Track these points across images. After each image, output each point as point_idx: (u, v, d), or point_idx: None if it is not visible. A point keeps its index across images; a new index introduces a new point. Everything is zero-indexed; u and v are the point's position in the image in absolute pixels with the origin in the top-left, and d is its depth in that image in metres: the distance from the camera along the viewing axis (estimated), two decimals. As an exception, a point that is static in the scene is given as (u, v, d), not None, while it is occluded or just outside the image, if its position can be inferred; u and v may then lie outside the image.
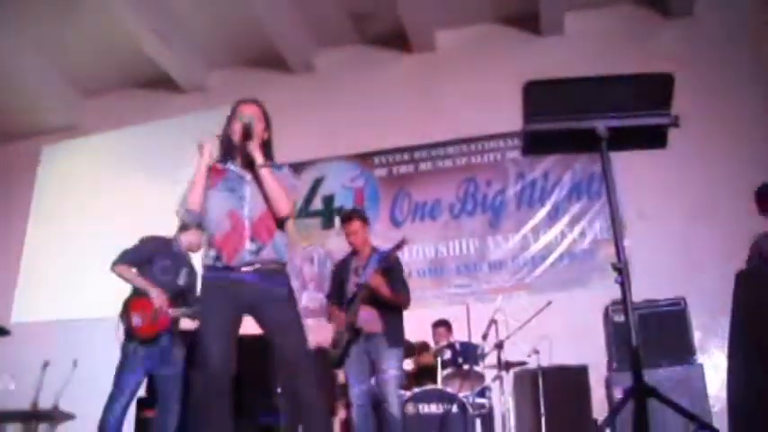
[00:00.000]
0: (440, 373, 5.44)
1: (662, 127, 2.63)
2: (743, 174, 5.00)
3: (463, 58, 7.86)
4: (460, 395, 5.10)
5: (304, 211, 7.75)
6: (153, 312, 4.60)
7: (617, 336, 5.42)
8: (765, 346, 2.11)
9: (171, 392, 4.70)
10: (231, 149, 3.31)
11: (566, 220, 7.02)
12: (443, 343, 5.86)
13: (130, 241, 4.89)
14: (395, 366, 4.42)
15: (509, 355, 5.48)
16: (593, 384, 5.89)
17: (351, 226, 4.78)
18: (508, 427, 5.44)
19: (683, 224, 6.39)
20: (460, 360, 5.49)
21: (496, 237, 7.18)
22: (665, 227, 6.42)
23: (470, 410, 5.07)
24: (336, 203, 7.82)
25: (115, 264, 4.75)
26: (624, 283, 2.44)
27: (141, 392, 5.00)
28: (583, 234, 6.91)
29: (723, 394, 5.14)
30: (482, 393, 5.48)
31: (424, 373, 5.70)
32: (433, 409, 5.09)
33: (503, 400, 5.50)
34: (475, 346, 5.56)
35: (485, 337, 5.49)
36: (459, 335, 5.99)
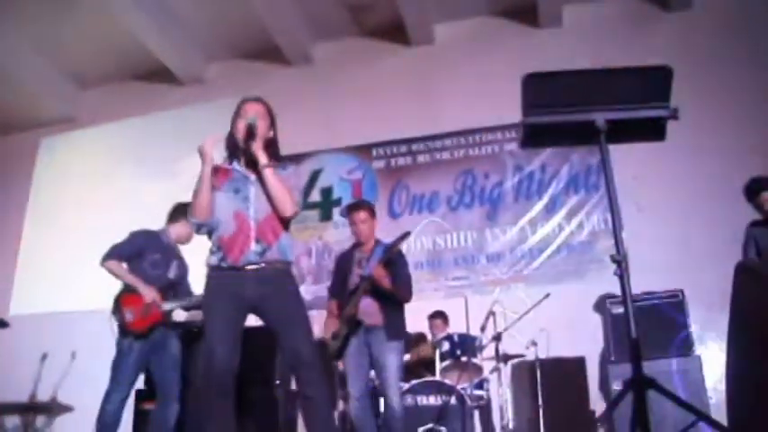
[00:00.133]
0: (438, 365, 5.46)
1: (661, 119, 2.63)
2: (742, 167, 5.00)
3: (461, 50, 7.85)
4: (459, 387, 5.12)
5: (302, 204, 7.72)
6: (144, 307, 4.60)
7: (615, 328, 5.44)
8: (764, 340, 2.12)
9: (169, 385, 4.70)
10: (236, 149, 3.31)
11: (563, 212, 7.02)
12: (441, 335, 5.87)
13: (128, 233, 4.91)
14: (395, 359, 4.41)
15: (507, 347, 5.50)
16: (591, 376, 5.92)
17: (358, 215, 4.75)
18: (506, 418, 5.46)
19: (681, 217, 6.39)
20: (459, 352, 5.50)
21: (494, 229, 7.18)
22: (663, 219, 6.43)
23: (468, 402, 5.09)
24: (334, 195, 7.82)
25: (105, 259, 4.74)
26: (623, 275, 2.45)
27: (140, 385, 5.02)
28: (580, 226, 6.91)
29: (720, 386, 5.19)
30: (480, 385, 5.50)
31: (421, 365, 5.71)
32: (432, 400, 5.11)
33: (501, 392, 5.51)
34: (473, 338, 5.57)
35: (483, 329, 5.51)
36: (457, 327, 6.00)
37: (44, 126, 9.27)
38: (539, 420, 5.39)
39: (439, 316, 6.20)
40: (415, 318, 5.22)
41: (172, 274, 4.88)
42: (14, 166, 9.20)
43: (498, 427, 5.60)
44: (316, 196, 7.84)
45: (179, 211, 5.00)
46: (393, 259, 4.58)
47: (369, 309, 4.47)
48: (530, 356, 5.63)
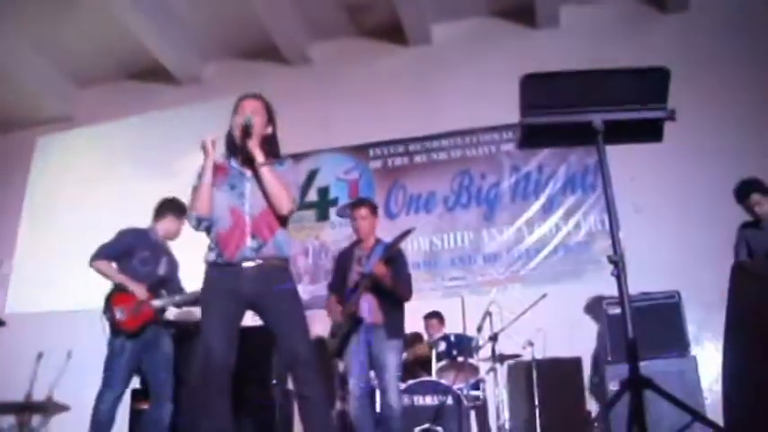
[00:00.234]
0: (434, 365, 5.46)
1: (658, 120, 2.64)
2: (739, 168, 5.01)
3: (459, 51, 7.85)
4: (455, 387, 5.13)
5: (298, 203, 7.72)
6: (135, 305, 4.60)
7: (612, 328, 5.45)
8: (763, 340, 2.13)
9: (163, 384, 4.70)
10: (234, 146, 3.32)
11: (560, 212, 7.02)
12: (437, 335, 5.88)
13: (116, 232, 4.91)
14: (395, 358, 4.42)
15: (503, 347, 5.51)
16: (587, 376, 5.92)
17: (359, 211, 4.78)
18: (502, 418, 5.46)
19: (678, 218, 6.40)
20: (455, 352, 5.51)
21: (491, 229, 7.18)
22: (660, 220, 6.44)
23: (465, 402, 5.10)
24: (331, 195, 7.82)
25: (93, 259, 4.75)
26: (620, 275, 2.46)
27: (135, 384, 5.02)
28: (577, 227, 6.92)
29: (716, 387, 5.17)
30: (476, 385, 5.51)
31: (418, 365, 5.72)
32: (428, 400, 5.12)
33: (497, 392, 5.52)
34: (469, 339, 5.58)
35: (479, 329, 5.52)
36: (453, 327, 6.01)
37: (41, 125, 9.24)
38: (535, 420, 5.40)
39: (435, 316, 6.20)
40: (412, 318, 5.21)
41: (162, 270, 4.89)
42: (11, 165, 9.17)
43: (494, 427, 5.61)
44: (312, 196, 7.83)
45: (165, 207, 5.02)
46: (394, 257, 4.60)
47: (369, 307, 4.48)
48: (526, 357, 5.65)
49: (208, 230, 3.27)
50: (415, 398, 5.09)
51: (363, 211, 4.78)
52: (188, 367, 5.18)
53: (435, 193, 7.44)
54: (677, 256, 6.16)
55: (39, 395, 6.47)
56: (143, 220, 5.06)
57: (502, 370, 5.71)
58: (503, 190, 7.27)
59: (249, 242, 3.16)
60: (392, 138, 7.73)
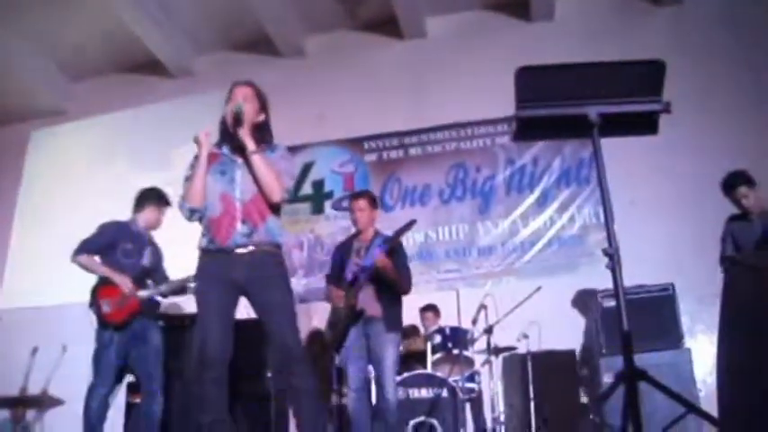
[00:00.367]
0: (429, 358, 5.47)
1: (653, 113, 2.64)
2: (731, 161, 5.02)
3: (454, 44, 7.84)
4: (450, 379, 5.14)
5: (293, 196, 7.70)
6: (121, 297, 4.60)
7: (606, 321, 5.47)
8: (759, 333, 2.14)
9: (152, 375, 4.70)
10: (226, 134, 3.32)
11: (555, 205, 7.03)
12: (432, 327, 5.89)
13: (97, 226, 4.91)
14: (392, 351, 4.43)
15: (498, 339, 5.52)
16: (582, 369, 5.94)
17: (357, 203, 4.80)
18: (497, 410, 5.48)
19: (672, 210, 6.42)
20: (450, 345, 5.51)
21: (486, 222, 7.19)
22: (654, 213, 6.46)
23: (460, 395, 5.11)
24: (326, 188, 7.80)
25: (75, 254, 4.75)
26: (615, 268, 2.46)
27: (131, 377, 5.02)
28: (572, 220, 6.93)
29: (710, 379, 5.23)
30: (471, 378, 5.53)
31: (413, 358, 5.72)
32: (423, 393, 5.12)
33: (492, 385, 5.54)
34: (464, 331, 5.59)
35: (474, 322, 5.53)
36: (448, 320, 6.02)
37: (34, 118, 9.20)
38: (530, 412, 5.41)
39: (430, 309, 6.22)
40: (407, 310, 5.20)
41: (146, 261, 4.89)
42: (4, 159, 9.13)
43: (489, 419, 5.63)
44: (307, 189, 7.83)
45: (144, 198, 5.02)
46: (395, 249, 4.61)
47: (368, 299, 4.49)
48: (521, 349, 5.66)
49: (200, 219, 3.28)
50: (411, 390, 5.10)
51: (362, 203, 4.79)
52: (179, 360, 5.19)
53: (430, 185, 7.44)
54: (671, 248, 6.18)
55: (34, 389, 6.46)
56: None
57: (497, 362, 5.72)
58: (498, 183, 7.28)
59: (240, 227, 3.18)
60: (387, 131, 7.73)
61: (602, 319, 5.52)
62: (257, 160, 3.19)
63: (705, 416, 2.49)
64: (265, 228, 3.22)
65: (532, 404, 5.42)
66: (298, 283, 7.35)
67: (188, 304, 5.22)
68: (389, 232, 4.76)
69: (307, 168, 7.85)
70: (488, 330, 5.48)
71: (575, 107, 2.61)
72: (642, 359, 4.57)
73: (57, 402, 6.35)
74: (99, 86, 9.02)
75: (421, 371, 5.32)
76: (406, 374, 5.17)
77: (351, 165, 7.80)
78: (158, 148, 7.96)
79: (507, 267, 6.96)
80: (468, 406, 5.41)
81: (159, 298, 4.96)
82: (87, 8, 7.74)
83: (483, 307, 5.55)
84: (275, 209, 3.30)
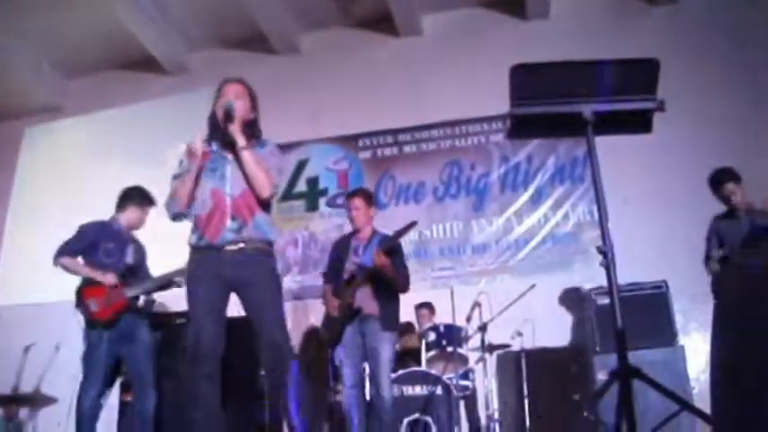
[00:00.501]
0: (424, 355, 5.47)
1: (647, 112, 2.65)
2: (725, 160, 5.02)
3: (449, 41, 7.84)
4: (444, 377, 5.15)
5: (288, 194, 7.73)
6: (107, 295, 4.59)
7: (600, 318, 5.48)
8: (752, 331, 2.14)
9: (143, 373, 4.69)
10: (216, 130, 3.32)
11: (549, 203, 7.05)
12: (427, 325, 5.89)
13: (77, 227, 4.90)
14: (388, 349, 4.43)
15: (492, 337, 5.53)
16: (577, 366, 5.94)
17: (353, 202, 4.80)
18: (491, 408, 5.49)
19: (665, 208, 6.43)
20: (444, 342, 5.52)
21: (480, 220, 7.20)
22: (648, 211, 6.47)
23: (454, 392, 5.12)
24: (320, 186, 7.80)
25: (57, 257, 4.75)
26: (609, 266, 2.47)
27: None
28: (566, 217, 6.94)
29: (703, 376, 5.25)
30: (466, 375, 5.53)
31: (408, 355, 5.73)
32: (417, 390, 5.13)
33: (486, 382, 5.55)
34: (459, 329, 5.59)
35: (468, 319, 5.54)
36: (443, 317, 6.02)
37: (29, 115, 9.17)
38: (524, 410, 5.43)
39: (425, 306, 6.23)
40: (402, 309, 5.22)
41: (129, 258, 4.88)
42: (-2, 155, 9.11)
43: (484, 416, 5.63)
44: (302, 186, 7.82)
45: (125, 198, 5.01)
46: (395, 248, 4.61)
47: (365, 298, 4.49)
48: (515, 347, 5.67)
49: (184, 217, 3.29)
50: (405, 388, 5.11)
51: (358, 201, 4.79)
52: (171, 357, 5.19)
53: (425, 183, 7.45)
54: (665, 246, 6.20)
55: (26, 387, 6.44)
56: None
57: (491, 360, 5.75)
58: (492, 180, 7.28)
59: (229, 223, 3.18)
60: (382, 128, 7.73)
61: (596, 316, 5.53)
62: (247, 156, 3.20)
63: (698, 413, 2.49)
64: (254, 223, 3.23)
65: (526, 401, 5.44)
66: (292, 281, 7.36)
67: (176, 302, 5.23)
68: (386, 230, 4.77)
69: (301, 166, 7.85)
70: (482, 328, 5.49)
71: (569, 105, 2.61)
72: (636, 357, 4.59)
73: (50, 400, 6.33)
74: (94, 83, 8.99)
75: (415, 368, 5.33)
76: (400, 372, 5.18)
77: (345, 162, 7.80)
78: (153, 144, 7.94)
79: (501, 265, 6.97)
80: (462, 403, 5.42)
81: (148, 296, 4.97)
82: (82, 5, 7.70)
83: (477, 304, 5.56)
84: (265, 205, 3.30)
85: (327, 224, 7.53)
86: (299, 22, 8.32)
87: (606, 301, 5.18)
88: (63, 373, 5.81)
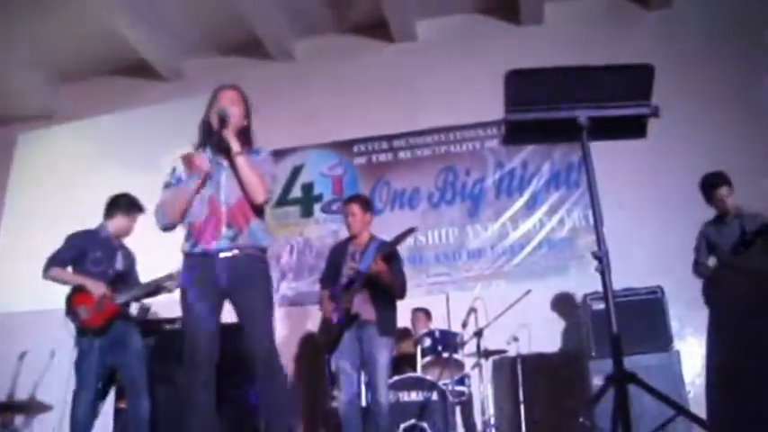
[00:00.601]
0: (419, 361, 5.47)
1: (642, 117, 2.65)
2: (719, 166, 5.03)
3: (443, 47, 7.85)
4: (440, 383, 5.14)
5: (283, 200, 7.73)
6: (96, 302, 4.59)
7: (595, 323, 5.48)
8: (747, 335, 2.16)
9: (136, 379, 4.68)
10: (209, 136, 3.32)
11: (544, 208, 7.06)
12: (423, 330, 5.88)
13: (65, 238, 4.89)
14: (385, 355, 4.43)
15: (488, 342, 5.53)
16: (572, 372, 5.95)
17: (349, 208, 4.82)
18: (487, 414, 5.48)
19: (661, 213, 6.44)
20: (440, 348, 5.51)
21: (475, 225, 7.20)
22: (643, 217, 6.48)
23: (450, 398, 5.11)
24: (315, 191, 7.79)
25: (46, 269, 4.76)
26: (604, 271, 2.47)
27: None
28: (561, 223, 6.95)
29: (699, 381, 5.25)
30: (461, 381, 5.53)
31: (404, 361, 5.72)
32: (413, 396, 5.11)
33: (482, 388, 5.54)
34: (454, 335, 5.58)
35: (464, 325, 5.54)
36: (438, 323, 6.01)
37: (22, 121, 9.13)
38: (520, 415, 5.42)
39: (422, 310, 6.22)
40: (398, 314, 5.22)
41: (119, 265, 4.89)
42: (-8, 162, 9.08)
43: (480, 422, 5.63)
44: (297, 192, 7.82)
45: (113, 206, 5.01)
46: (392, 254, 4.61)
47: (362, 303, 4.49)
48: (511, 352, 5.67)
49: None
50: (400, 394, 5.09)
51: (354, 207, 4.80)
52: (165, 364, 5.18)
53: (419, 189, 7.45)
54: (660, 252, 6.20)
55: (21, 395, 6.42)
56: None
57: (487, 365, 5.74)
58: (487, 186, 7.29)
59: (225, 231, 3.18)
60: (376, 134, 7.73)
61: (592, 321, 5.52)
62: (242, 161, 3.20)
63: (694, 418, 2.50)
64: (249, 231, 3.23)
65: (522, 407, 5.44)
66: (287, 287, 7.35)
67: (166, 308, 5.22)
68: (384, 236, 4.77)
69: (296, 171, 7.85)
70: (478, 333, 5.48)
71: (564, 111, 2.61)
72: (631, 362, 4.59)
73: (45, 408, 6.31)
74: (88, 89, 8.96)
75: (411, 374, 5.32)
76: (396, 378, 5.17)
77: (340, 168, 7.80)
78: (148, 150, 7.89)
79: (497, 270, 6.97)
80: (458, 409, 5.41)
81: (139, 302, 4.97)
82: (76, 11, 7.68)
83: (473, 310, 5.56)
84: (259, 211, 3.30)
85: (322, 230, 7.52)
86: (294, 28, 8.32)
87: (601, 306, 5.17)
88: (58, 380, 5.80)
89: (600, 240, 2.51)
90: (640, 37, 7.17)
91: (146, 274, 5.04)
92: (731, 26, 6.97)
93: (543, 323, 6.17)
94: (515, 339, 5.63)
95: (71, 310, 4.61)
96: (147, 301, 5.08)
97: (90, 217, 5.07)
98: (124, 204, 4.99)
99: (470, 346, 5.55)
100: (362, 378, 4.71)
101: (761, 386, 3.63)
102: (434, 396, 5.04)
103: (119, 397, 5.36)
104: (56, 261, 4.76)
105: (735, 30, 6.93)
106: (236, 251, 3.17)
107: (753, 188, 5.33)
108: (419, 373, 5.35)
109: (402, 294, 4.70)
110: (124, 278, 4.87)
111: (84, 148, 8.65)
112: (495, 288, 6.75)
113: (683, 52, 6.89)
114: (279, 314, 6.94)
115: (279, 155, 7.28)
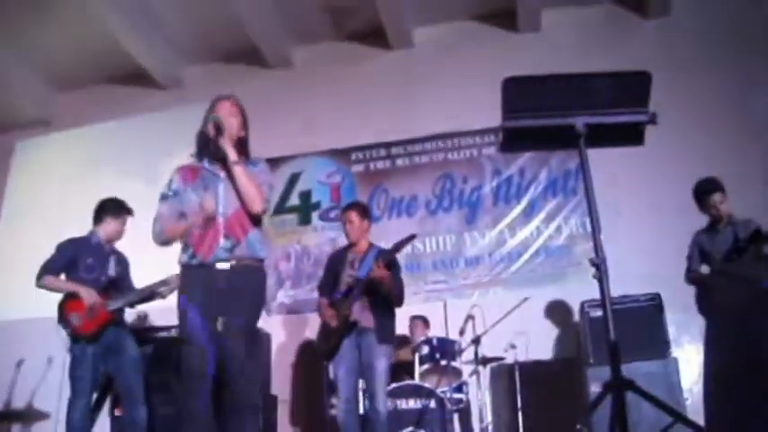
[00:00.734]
0: (417, 369, 5.46)
1: (639, 124, 2.66)
2: (717, 173, 5.04)
3: (441, 54, 7.87)
4: (438, 390, 5.13)
5: (280, 207, 7.73)
6: (88, 309, 4.58)
7: (593, 331, 5.47)
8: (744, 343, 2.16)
9: (133, 387, 4.68)
10: (206, 146, 3.32)
11: (542, 216, 7.05)
12: (421, 337, 5.88)
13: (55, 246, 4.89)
14: (384, 363, 4.43)
15: (486, 350, 5.52)
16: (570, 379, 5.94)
17: (347, 215, 4.83)
18: (485, 421, 5.48)
19: (657, 221, 6.44)
20: (438, 355, 5.50)
21: (473, 233, 7.19)
22: (640, 224, 6.49)
23: (448, 405, 5.10)
24: (313, 199, 7.79)
25: (39, 278, 4.77)
26: (602, 278, 2.47)
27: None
28: (559, 230, 6.95)
29: (696, 388, 5.24)
30: (459, 388, 5.52)
31: (401, 368, 5.71)
32: (411, 404, 5.11)
33: (480, 395, 5.54)
34: (452, 342, 5.58)
35: (462, 332, 5.53)
36: (436, 331, 6.01)
37: (20, 129, 9.14)
38: (518, 423, 5.42)
39: (420, 318, 6.22)
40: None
41: (112, 271, 4.89)
42: (-11, 170, 9.07)
43: (478, 430, 5.62)
44: (294, 200, 7.82)
45: (102, 211, 5.01)
46: (392, 262, 4.61)
47: (361, 310, 4.49)
48: (508, 359, 5.66)
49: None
50: (398, 401, 5.09)
51: (352, 215, 4.81)
52: (160, 372, 5.17)
53: (417, 196, 7.45)
54: (657, 259, 6.19)
55: (18, 403, 6.40)
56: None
57: (485, 373, 5.73)
58: (484, 193, 7.29)
59: (222, 242, 3.18)
60: (374, 141, 7.74)
61: (590, 329, 5.52)
62: (239, 170, 3.20)
63: (692, 425, 2.49)
64: (247, 242, 3.23)
65: (520, 414, 5.43)
66: (285, 295, 7.34)
67: (161, 315, 5.21)
68: (382, 244, 4.77)
69: (294, 179, 7.85)
70: (476, 341, 5.48)
71: (561, 118, 2.62)
72: (629, 369, 4.58)
73: (42, 416, 6.29)
74: (86, 97, 8.97)
75: (409, 381, 5.31)
76: (394, 385, 5.16)
77: (338, 175, 7.80)
78: (146, 159, 7.91)
79: (494, 278, 6.96)
80: (455, 417, 5.40)
81: (132, 308, 4.96)
82: (74, 18, 7.70)
83: (470, 317, 5.56)
84: (257, 221, 3.30)
85: (320, 238, 7.52)
86: (291, 37, 8.34)
87: (599, 313, 5.19)
88: (55, 388, 5.79)
89: (597, 247, 2.52)
90: (638, 45, 7.18)
91: (140, 280, 5.03)
92: (728, 35, 6.99)
93: (541, 330, 6.17)
94: (513, 347, 5.62)
95: (63, 317, 4.60)
96: (141, 307, 5.08)
97: (87, 225, 5.07)
98: (112, 208, 4.99)
99: (468, 354, 5.55)
100: (361, 385, 4.71)
101: (758, 394, 3.63)
102: (432, 403, 5.04)
103: (115, 404, 5.35)
104: (48, 269, 4.76)
105: (732, 38, 6.95)
106: (233, 262, 3.17)
107: (749, 195, 5.33)
108: (417, 380, 5.35)
109: (400, 302, 4.70)
110: (118, 284, 4.87)
111: (82, 155, 8.64)
112: (492, 295, 6.75)
113: (681, 60, 6.90)
114: (277, 322, 7.02)
115: (276, 162, 7.30)
